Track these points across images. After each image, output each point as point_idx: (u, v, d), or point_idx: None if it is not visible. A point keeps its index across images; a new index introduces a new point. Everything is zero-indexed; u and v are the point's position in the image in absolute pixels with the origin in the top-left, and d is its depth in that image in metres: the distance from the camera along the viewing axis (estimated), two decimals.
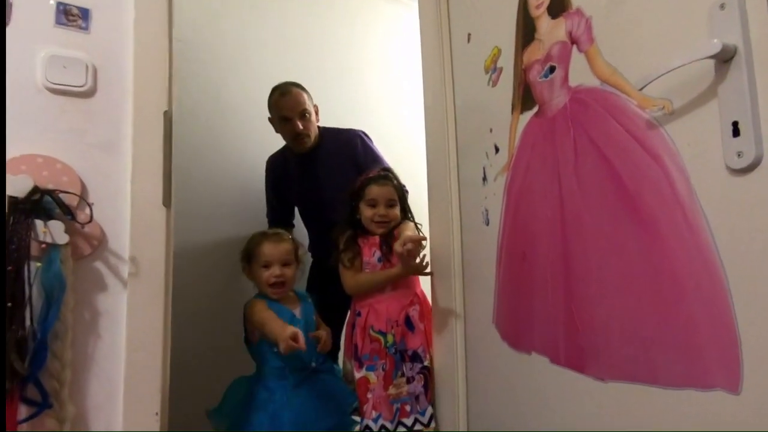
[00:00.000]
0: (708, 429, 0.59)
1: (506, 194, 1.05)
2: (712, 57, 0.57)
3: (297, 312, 1.34)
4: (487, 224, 1.12)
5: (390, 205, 1.40)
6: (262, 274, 1.29)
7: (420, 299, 1.39)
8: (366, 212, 1.39)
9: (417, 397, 1.28)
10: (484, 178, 1.15)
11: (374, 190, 1.39)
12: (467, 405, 1.20)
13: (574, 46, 0.84)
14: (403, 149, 2.04)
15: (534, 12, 0.96)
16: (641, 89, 0.67)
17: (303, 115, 1.71)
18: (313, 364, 1.30)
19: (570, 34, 0.85)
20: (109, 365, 0.86)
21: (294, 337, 1.08)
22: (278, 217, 1.87)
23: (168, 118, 0.96)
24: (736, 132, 0.56)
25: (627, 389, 0.72)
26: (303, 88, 1.75)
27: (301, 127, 1.69)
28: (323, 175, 1.76)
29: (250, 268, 1.33)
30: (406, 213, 1.46)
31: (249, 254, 1.33)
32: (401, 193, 1.45)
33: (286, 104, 1.70)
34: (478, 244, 1.17)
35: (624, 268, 0.73)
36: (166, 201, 0.94)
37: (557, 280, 0.87)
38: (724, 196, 0.58)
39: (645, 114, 0.69)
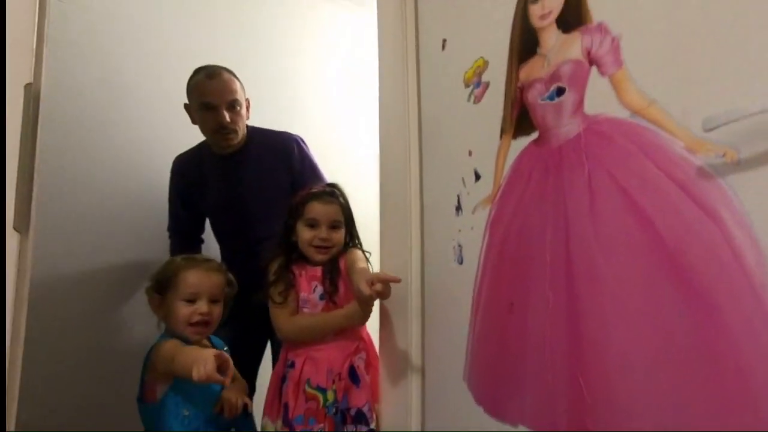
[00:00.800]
0: None
1: (489, 230, 0.90)
2: None
3: None
4: (461, 262, 0.96)
5: (334, 226, 1.18)
6: (181, 309, 0.99)
7: (366, 345, 1.18)
8: (304, 234, 1.17)
9: None
10: (459, 208, 0.98)
11: (316, 208, 1.17)
12: None
13: (594, 68, 0.72)
14: (341, 163, 1.83)
15: (537, 22, 0.82)
16: (708, 130, 0.55)
17: (232, 105, 1.42)
18: (233, 430, 1.02)
19: (588, 53, 0.73)
20: None
21: (220, 362, 0.79)
22: (184, 229, 1.55)
23: (34, 95, 0.63)
24: None
25: None
26: (235, 75, 1.46)
27: (228, 119, 1.40)
28: (249, 183, 1.48)
29: (162, 299, 1.01)
30: (353, 238, 1.24)
31: (165, 282, 1.01)
32: (348, 214, 1.23)
33: (212, 89, 1.40)
34: (447, 284, 1.00)
35: (659, 336, 0.61)
36: (22, 222, 0.61)
37: (560, 342, 0.73)
38: None
39: (696, 160, 0.58)
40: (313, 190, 1.22)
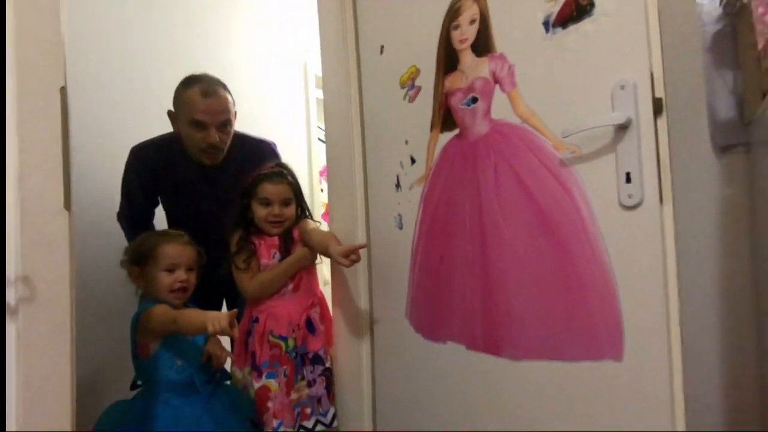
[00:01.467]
0: (602, 391, 0.83)
1: (422, 203, 1.18)
2: (616, 125, 0.80)
3: None
4: (401, 228, 1.23)
5: (285, 203, 1.35)
6: (163, 278, 1.14)
7: (320, 300, 1.40)
8: (259, 212, 1.33)
9: (319, 399, 1.30)
10: (398, 185, 1.25)
11: (268, 189, 1.33)
12: (373, 401, 1.30)
13: (497, 85, 1.01)
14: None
15: (457, 45, 1.09)
16: (565, 137, 0.86)
17: (224, 124, 1.41)
18: (218, 375, 1.21)
19: (493, 74, 1.01)
20: None
21: (230, 319, 0.98)
22: (140, 218, 1.53)
23: (64, 95, 0.75)
24: (628, 180, 0.80)
25: (537, 366, 0.93)
26: (228, 90, 1.43)
27: (218, 139, 1.40)
28: (225, 195, 1.43)
29: (141, 271, 1.14)
30: (304, 211, 1.43)
31: (143, 256, 1.14)
32: (297, 190, 1.40)
33: (206, 108, 1.37)
34: (391, 245, 1.26)
35: (537, 269, 0.93)
36: (68, 203, 0.74)
37: (476, 279, 1.04)
38: (617, 223, 0.82)
39: (559, 154, 0.90)
40: (264, 172, 1.36)
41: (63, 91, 0.74)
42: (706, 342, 0.90)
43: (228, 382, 1.30)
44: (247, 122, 1.67)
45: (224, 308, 1.64)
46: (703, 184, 0.95)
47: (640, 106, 0.80)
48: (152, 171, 1.49)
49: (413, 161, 1.20)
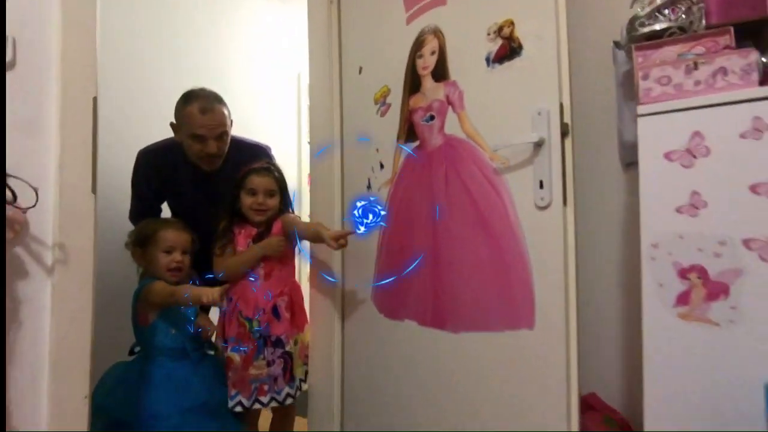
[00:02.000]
0: (519, 354, 1.04)
1: (389, 202, 1.38)
2: (533, 143, 1.02)
3: None
4: None
5: (269, 194, 1.48)
6: (162, 258, 1.32)
7: (291, 290, 1.49)
8: (246, 200, 1.47)
9: (275, 379, 1.41)
10: (369, 186, 1.45)
11: (254, 180, 1.47)
12: (342, 371, 1.50)
13: (450, 106, 1.22)
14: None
15: (421, 71, 1.31)
16: (495, 150, 1.08)
17: (221, 136, 1.54)
18: (206, 345, 1.40)
19: (447, 97, 1.23)
20: (32, 352, 0.84)
21: (222, 293, 1.21)
22: (147, 215, 1.64)
23: (96, 103, 0.95)
24: (541, 186, 1.02)
25: (471, 336, 1.14)
26: (224, 103, 1.56)
27: (216, 149, 1.53)
28: (224, 195, 1.55)
29: (143, 252, 1.33)
30: (287, 205, 1.56)
31: (145, 239, 1.33)
32: (282, 185, 1.53)
33: (205, 123, 1.49)
34: (361, 238, 1.47)
35: (474, 258, 1.14)
36: (94, 188, 0.94)
37: (428, 268, 1.25)
38: (533, 220, 1.03)
39: (493, 164, 1.12)
40: (254, 167, 1.52)
41: (95, 100, 0.94)
42: (607, 315, 1.12)
43: (212, 353, 1.48)
44: (243, 127, 1.87)
45: None
46: (612, 193, 1.17)
47: (552, 128, 1.01)
48: (158, 173, 1.63)
49: (382, 167, 1.41)
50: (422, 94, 1.30)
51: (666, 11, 0.99)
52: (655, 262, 0.81)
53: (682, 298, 0.78)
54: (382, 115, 1.43)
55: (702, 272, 0.76)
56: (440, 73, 1.25)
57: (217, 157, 1.56)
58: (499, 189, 1.10)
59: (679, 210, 0.79)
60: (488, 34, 1.13)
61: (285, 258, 1.51)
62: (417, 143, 1.31)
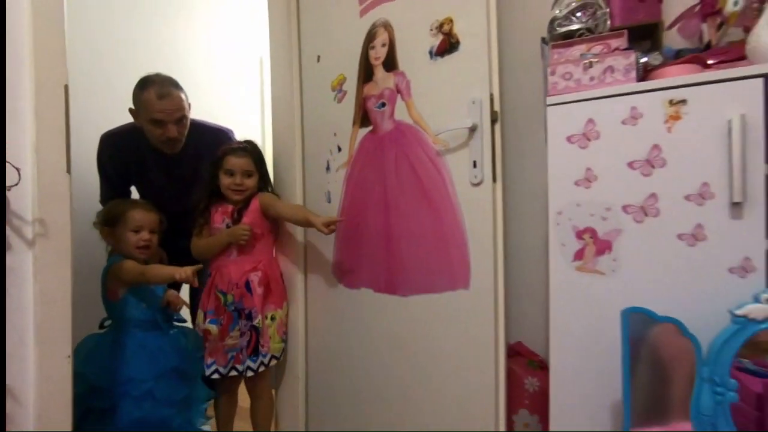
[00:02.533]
0: (457, 311, 1.21)
1: (346, 182, 1.51)
2: (468, 128, 1.17)
3: None
4: (329, 202, 1.57)
5: (247, 174, 1.53)
6: (130, 237, 1.40)
7: (266, 265, 1.56)
8: (224, 180, 1.53)
9: (241, 350, 1.50)
10: (328, 168, 1.58)
11: (232, 161, 1.52)
12: (306, 339, 1.64)
13: (399, 95, 1.36)
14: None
15: (373, 62, 1.43)
16: (437, 135, 1.23)
17: (180, 120, 1.56)
18: (175, 316, 1.50)
19: (397, 86, 1.36)
20: (17, 317, 0.93)
21: (194, 271, 1.30)
22: (117, 196, 1.68)
23: (67, 90, 1.03)
24: (475, 165, 1.18)
25: (418, 299, 1.30)
26: (180, 87, 1.59)
27: (176, 132, 1.56)
28: (187, 179, 1.64)
29: (111, 231, 1.41)
30: (266, 184, 1.61)
31: (114, 218, 1.40)
32: (260, 165, 1.58)
33: (163, 108, 1.52)
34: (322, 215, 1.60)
35: (420, 230, 1.30)
36: (68, 168, 1.03)
37: (381, 239, 1.40)
38: (468, 196, 1.19)
39: (435, 147, 1.26)
40: (231, 146, 1.58)
41: (66, 87, 1.02)
42: (531, 275, 1.30)
43: (184, 324, 1.58)
44: (206, 112, 1.93)
45: None
46: (539, 171, 1.34)
47: (483, 115, 1.17)
48: (121, 157, 1.66)
49: (339, 149, 1.54)
50: (374, 82, 1.43)
51: (578, 14, 1.15)
52: (559, 227, 0.98)
53: (579, 254, 0.96)
54: (339, 101, 1.54)
55: (593, 233, 0.94)
56: (390, 63, 1.38)
57: (178, 140, 1.59)
58: (441, 169, 1.25)
59: (577, 183, 0.96)
60: (431, 30, 1.27)
61: (260, 234, 1.56)
62: (370, 128, 1.44)
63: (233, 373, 1.50)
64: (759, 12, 0.90)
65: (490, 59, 1.16)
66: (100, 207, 1.59)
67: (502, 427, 1.13)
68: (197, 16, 2.48)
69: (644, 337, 0.86)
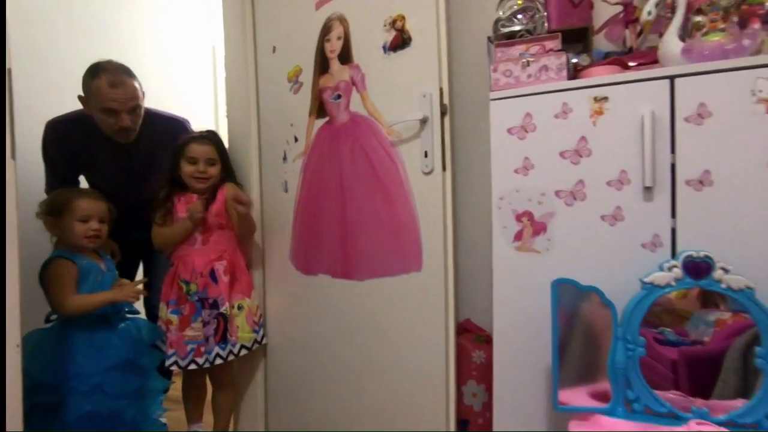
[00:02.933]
0: (410, 292, 1.28)
1: (303, 172, 1.55)
2: (419, 120, 1.24)
3: (102, 266, 1.46)
4: (286, 191, 1.60)
5: (210, 163, 1.52)
6: (77, 227, 1.36)
7: (230, 254, 1.56)
8: (186, 169, 1.51)
9: (207, 339, 1.49)
10: (285, 158, 1.60)
11: (194, 149, 1.51)
12: (264, 327, 1.67)
13: (354, 87, 1.41)
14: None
15: (329, 54, 1.47)
16: (391, 126, 1.29)
17: (134, 109, 1.53)
18: (126, 309, 1.48)
19: (352, 79, 1.41)
20: None
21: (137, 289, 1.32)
22: (65, 185, 1.61)
23: (10, 74, 1.00)
24: (426, 155, 1.25)
25: (374, 282, 1.36)
26: (134, 75, 1.54)
27: (129, 122, 1.52)
28: (141, 172, 1.60)
29: (56, 221, 1.36)
30: (228, 172, 1.60)
31: (59, 208, 1.36)
32: (223, 154, 1.58)
33: (116, 97, 1.47)
34: (278, 205, 1.62)
35: (375, 216, 1.36)
36: (13, 154, 1.00)
37: (337, 227, 1.45)
38: (420, 184, 1.27)
39: (389, 138, 1.33)
40: (193, 135, 1.58)
41: (9, 72, 0.99)
42: (480, 257, 1.40)
43: (138, 315, 1.55)
44: (157, 100, 1.88)
45: (141, 268, 1.87)
46: (486, 160, 1.44)
47: (434, 108, 1.24)
48: (70, 145, 1.59)
49: (296, 140, 1.57)
50: (330, 74, 1.47)
51: (519, 16, 1.25)
52: (501, 211, 1.08)
53: (518, 236, 1.06)
54: (295, 92, 1.57)
55: (530, 216, 1.04)
56: (345, 56, 1.42)
57: (131, 130, 1.55)
58: (394, 158, 1.32)
59: (516, 171, 1.06)
60: (384, 25, 1.32)
61: (225, 224, 1.56)
62: (327, 119, 1.48)
63: (192, 366, 1.47)
64: (670, 21, 1.03)
65: (439, 55, 1.23)
66: (45, 196, 1.53)
67: (452, 397, 1.23)
68: (146, 1, 2.40)
69: (578, 310, 0.97)
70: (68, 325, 1.36)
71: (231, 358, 1.52)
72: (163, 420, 1.61)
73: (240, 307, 1.55)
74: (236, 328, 1.53)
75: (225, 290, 1.52)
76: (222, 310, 1.51)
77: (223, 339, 1.51)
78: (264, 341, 1.64)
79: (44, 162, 1.62)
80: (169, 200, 1.55)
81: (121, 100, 1.47)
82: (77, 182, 1.69)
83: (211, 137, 1.57)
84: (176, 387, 1.70)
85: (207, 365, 1.48)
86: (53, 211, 1.39)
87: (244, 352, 1.55)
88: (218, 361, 1.50)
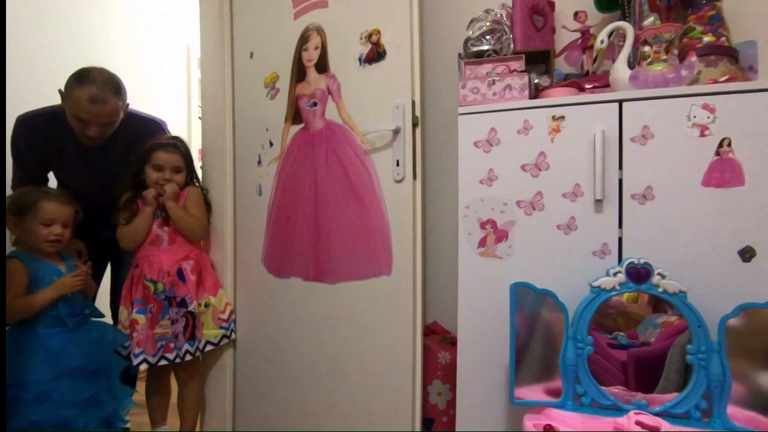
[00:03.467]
0: (380, 295, 1.34)
1: (277, 176, 1.58)
2: (392, 130, 1.30)
3: (62, 268, 1.43)
4: (260, 195, 1.62)
5: (176, 171, 1.56)
6: (39, 230, 1.34)
7: (196, 254, 1.59)
8: (152, 175, 1.54)
9: (177, 336, 1.51)
10: (260, 162, 1.63)
11: (161, 156, 1.54)
12: (234, 328, 1.68)
13: (330, 96, 1.46)
14: None
15: (306, 63, 1.51)
16: (365, 135, 1.35)
17: (108, 123, 1.50)
18: (87, 311, 1.45)
19: (328, 88, 1.46)
20: None
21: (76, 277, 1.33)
22: (33, 183, 1.57)
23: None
24: (398, 164, 1.31)
25: (345, 285, 1.41)
26: (120, 92, 1.50)
27: (96, 134, 1.49)
28: (114, 173, 1.57)
29: (18, 221, 1.34)
30: (192, 179, 1.65)
31: (23, 208, 1.33)
32: (188, 160, 1.61)
33: (91, 111, 1.43)
34: (252, 208, 1.65)
35: (348, 222, 1.41)
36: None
37: (310, 232, 1.48)
38: (392, 191, 1.32)
39: (363, 146, 1.38)
40: (160, 141, 1.58)
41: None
42: (447, 262, 1.47)
43: (102, 319, 1.53)
44: (130, 99, 1.86)
45: (109, 267, 1.84)
46: (455, 170, 1.51)
47: (406, 119, 1.30)
48: (40, 141, 1.55)
49: (271, 144, 1.60)
50: (307, 82, 1.51)
51: (488, 36, 1.34)
52: (467, 219, 1.15)
53: (482, 242, 1.13)
54: (272, 98, 1.60)
55: (493, 224, 1.12)
56: (322, 66, 1.47)
57: (98, 138, 1.52)
58: (367, 166, 1.37)
59: (481, 182, 1.14)
60: (361, 38, 1.38)
61: None
62: (302, 125, 1.52)
63: (163, 362, 1.49)
64: (620, 49, 1.14)
65: (412, 69, 1.30)
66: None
67: (419, 396, 1.28)
68: (119, 4, 2.36)
69: (537, 313, 1.05)
70: (22, 327, 1.33)
71: (198, 354, 1.56)
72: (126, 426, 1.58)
73: (207, 305, 1.58)
74: (201, 325, 1.57)
75: (193, 289, 1.55)
76: (190, 308, 1.53)
77: (192, 336, 1.53)
78: (233, 336, 1.66)
79: (12, 158, 1.58)
80: (134, 203, 1.56)
81: (95, 115, 1.44)
82: (46, 180, 1.66)
83: (178, 146, 1.59)
84: (139, 392, 1.68)
85: (178, 360, 1.51)
86: (16, 211, 1.36)
87: (209, 347, 1.59)
88: (188, 357, 1.53)
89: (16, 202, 1.37)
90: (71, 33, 2.07)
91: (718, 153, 0.96)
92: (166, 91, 2.66)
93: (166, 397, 1.65)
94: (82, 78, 1.42)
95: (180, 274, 1.54)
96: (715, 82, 1.02)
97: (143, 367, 1.47)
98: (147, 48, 2.52)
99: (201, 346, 1.56)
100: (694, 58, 1.03)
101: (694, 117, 0.97)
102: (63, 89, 1.48)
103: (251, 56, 1.67)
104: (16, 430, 1.24)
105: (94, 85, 1.41)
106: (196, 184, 1.68)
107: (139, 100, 2.07)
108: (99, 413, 1.41)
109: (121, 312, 1.56)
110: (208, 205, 1.67)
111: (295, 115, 1.54)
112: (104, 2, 2.29)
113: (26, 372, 1.28)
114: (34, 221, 1.35)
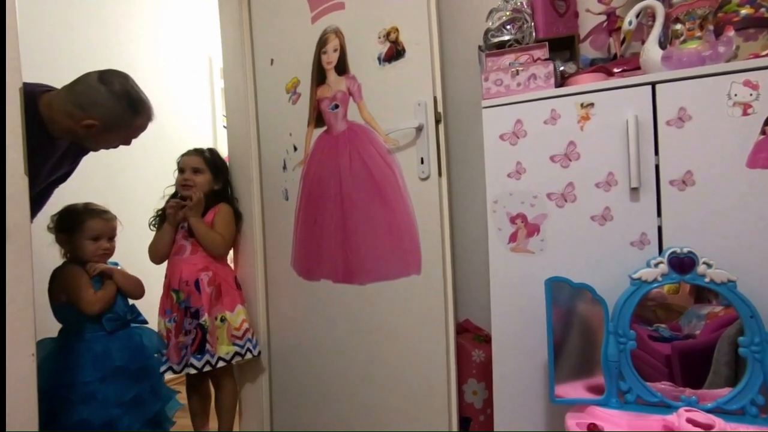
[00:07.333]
0: (410, 295, 1.32)
1: (302, 180, 1.59)
2: (415, 128, 1.29)
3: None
4: (287, 199, 1.64)
5: (195, 171, 1.63)
6: (88, 245, 1.41)
7: (216, 267, 1.62)
8: (177, 178, 1.67)
9: (186, 347, 1.55)
10: (285, 167, 1.65)
11: (182, 160, 1.68)
12: (267, 333, 1.70)
13: (351, 97, 1.45)
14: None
15: (326, 66, 1.52)
16: (388, 134, 1.34)
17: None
18: (129, 317, 1.50)
19: (348, 89, 1.46)
20: None
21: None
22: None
23: (22, 92, 1.04)
24: (422, 162, 1.30)
25: (375, 286, 1.40)
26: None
27: (96, 150, 1.41)
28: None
29: (67, 238, 1.40)
30: (227, 194, 1.71)
31: (71, 226, 1.40)
32: (212, 165, 1.66)
33: (133, 138, 1.36)
34: (279, 213, 1.66)
35: (374, 222, 1.40)
36: (26, 170, 1.04)
37: (338, 233, 1.49)
38: (417, 189, 1.31)
39: (386, 145, 1.37)
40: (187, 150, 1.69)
41: (21, 90, 1.02)
42: (477, 258, 1.45)
43: (147, 325, 1.58)
44: (156, 112, 1.92)
45: None
46: (478, 165, 1.49)
47: (428, 116, 1.29)
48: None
49: (295, 149, 1.61)
50: (327, 85, 1.51)
51: (508, 26, 1.30)
52: (496, 214, 1.12)
53: (513, 237, 1.11)
54: (294, 103, 1.62)
55: (523, 218, 1.09)
56: (342, 67, 1.47)
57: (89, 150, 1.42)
58: (392, 165, 1.36)
59: (509, 175, 1.11)
60: (379, 38, 1.37)
61: None
62: (325, 128, 1.53)
63: (190, 370, 1.53)
64: (651, 29, 1.08)
65: (432, 65, 1.28)
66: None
67: (454, 395, 1.26)
68: (143, 13, 2.44)
69: (573, 308, 1.02)
70: (69, 333, 1.41)
71: (207, 368, 1.55)
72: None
73: (222, 320, 1.59)
74: (216, 340, 1.57)
75: (206, 301, 1.57)
76: (201, 320, 1.55)
77: (199, 349, 1.54)
78: (248, 356, 1.62)
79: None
80: (163, 217, 1.65)
81: (130, 141, 1.35)
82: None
83: (199, 150, 1.68)
84: (181, 396, 1.73)
85: (205, 369, 1.54)
86: (65, 229, 1.43)
87: (221, 363, 1.57)
88: (192, 371, 1.54)
89: (63, 221, 1.44)
90: (96, 48, 2.14)
91: (764, 132, 0.90)
92: (191, 102, 2.72)
93: (204, 400, 1.70)
94: (139, 108, 1.31)
95: (197, 284, 1.57)
96: (757, 56, 0.96)
97: (169, 374, 1.51)
98: (171, 61, 2.59)
99: (213, 362, 1.55)
100: (731, 33, 0.97)
101: (735, 95, 0.92)
102: (111, 110, 1.28)
103: (272, 63, 1.69)
104: (66, 429, 1.31)
105: (148, 119, 1.35)
106: (230, 199, 1.71)
107: (166, 112, 2.14)
108: (143, 413, 1.47)
109: (159, 321, 1.62)
110: (238, 216, 1.70)
111: (317, 118, 1.55)
112: (130, 16, 2.37)
113: (73, 374, 1.34)
114: (82, 238, 1.42)
